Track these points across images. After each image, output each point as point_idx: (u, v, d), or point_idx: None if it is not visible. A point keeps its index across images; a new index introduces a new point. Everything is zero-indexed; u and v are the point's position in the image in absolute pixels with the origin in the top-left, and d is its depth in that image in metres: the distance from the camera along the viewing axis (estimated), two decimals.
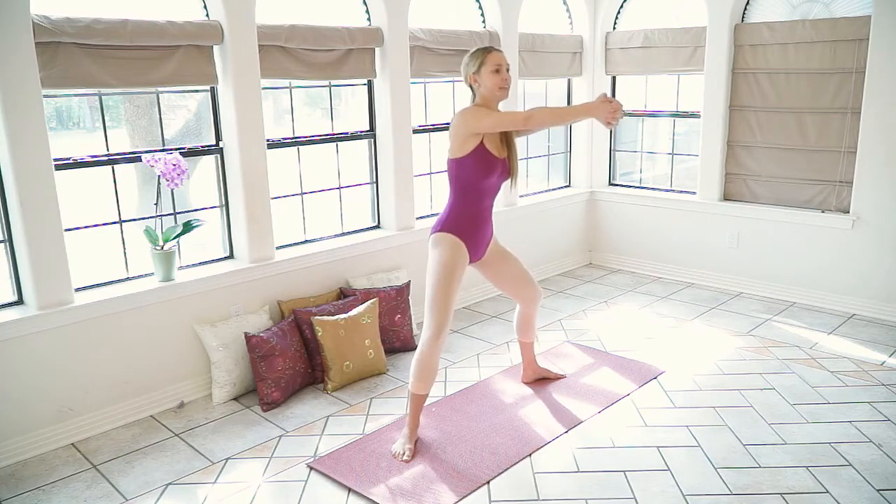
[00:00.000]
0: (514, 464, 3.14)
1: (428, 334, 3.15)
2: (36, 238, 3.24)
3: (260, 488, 3.00)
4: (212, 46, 3.75)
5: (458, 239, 3.21)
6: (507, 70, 3.16)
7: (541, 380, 3.94)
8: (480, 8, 5.21)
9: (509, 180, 3.30)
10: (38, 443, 3.32)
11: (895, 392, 3.74)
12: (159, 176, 3.54)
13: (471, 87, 3.22)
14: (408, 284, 4.42)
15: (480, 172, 3.16)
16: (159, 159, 3.52)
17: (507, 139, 3.27)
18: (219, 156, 3.97)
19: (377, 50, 4.48)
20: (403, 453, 3.18)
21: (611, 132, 6.10)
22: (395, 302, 4.30)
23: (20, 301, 3.37)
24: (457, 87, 5.22)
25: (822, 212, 5.02)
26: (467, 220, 3.23)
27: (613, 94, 6.11)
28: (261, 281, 4.03)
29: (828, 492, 2.89)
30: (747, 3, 5.18)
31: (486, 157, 3.15)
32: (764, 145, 5.24)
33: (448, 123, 5.15)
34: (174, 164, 3.53)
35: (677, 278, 5.78)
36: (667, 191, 5.91)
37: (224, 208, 4.05)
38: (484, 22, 5.24)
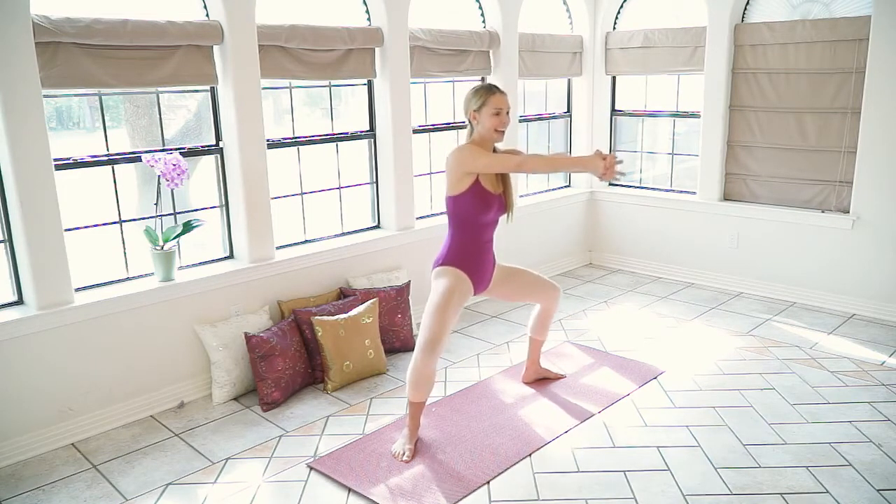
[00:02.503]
0: (514, 464, 3.14)
1: (421, 345, 3.14)
2: (36, 238, 3.24)
3: (260, 488, 3.00)
4: (212, 46, 3.75)
5: (460, 271, 3.25)
6: (507, 113, 3.18)
7: (541, 380, 3.95)
8: (480, 8, 5.21)
9: (506, 215, 3.34)
10: (38, 443, 3.32)
11: (895, 392, 3.74)
12: (159, 176, 3.54)
13: (469, 122, 3.23)
14: (408, 284, 4.42)
15: (477, 208, 3.19)
16: (159, 159, 3.52)
17: (502, 176, 3.30)
18: (219, 156, 3.97)
19: (377, 50, 4.48)
20: (403, 453, 3.18)
21: (611, 133, 6.10)
22: (395, 302, 4.30)
23: (20, 301, 3.37)
24: (457, 87, 5.22)
25: (822, 212, 5.02)
26: (468, 254, 3.27)
27: (613, 94, 6.10)
28: (261, 281, 4.03)
29: (828, 492, 2.89)
30: (747, 3, 5.18)
31: (482, 194, 3.18)
32: (764, 145, 5.24)
33: (448, 123, 5.17)
34: (174, 164, 3.53)
35: (677, 278, 5.78)
36: (667, 191, 5.91)
37: (224, 208, 4.05)
38: (484, 22, 5.24)
